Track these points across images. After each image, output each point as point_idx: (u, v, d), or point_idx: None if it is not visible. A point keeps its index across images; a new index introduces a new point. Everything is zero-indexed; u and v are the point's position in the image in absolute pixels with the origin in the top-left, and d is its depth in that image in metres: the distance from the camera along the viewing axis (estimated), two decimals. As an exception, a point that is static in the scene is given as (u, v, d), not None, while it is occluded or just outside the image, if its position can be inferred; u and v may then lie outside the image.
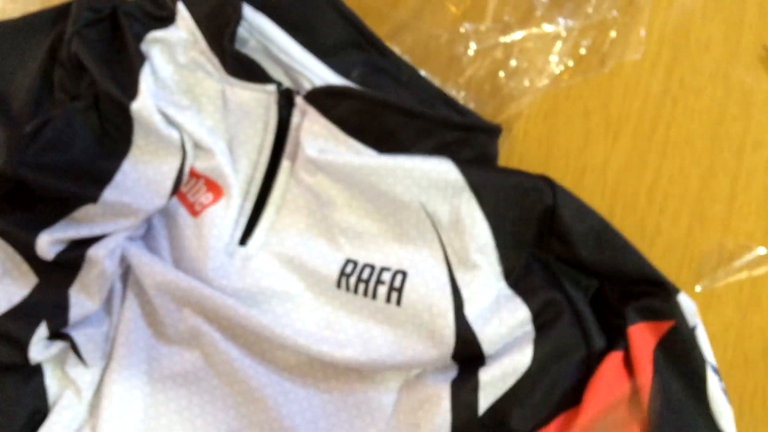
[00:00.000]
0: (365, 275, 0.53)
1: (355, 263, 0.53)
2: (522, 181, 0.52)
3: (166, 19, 0.55)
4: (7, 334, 0.49)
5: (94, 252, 0.51)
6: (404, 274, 0.52)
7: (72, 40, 0.53)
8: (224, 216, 0.53)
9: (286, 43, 0.54)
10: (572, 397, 0.50)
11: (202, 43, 0.54)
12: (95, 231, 0.51)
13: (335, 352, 0.51)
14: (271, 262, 0.53)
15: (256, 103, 0.54)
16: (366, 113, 0.52)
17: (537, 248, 0.52)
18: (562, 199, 0.51)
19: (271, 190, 0.54)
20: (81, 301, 0.51)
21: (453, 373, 0.51)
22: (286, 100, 0.54)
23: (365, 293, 0.53)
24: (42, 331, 0.50)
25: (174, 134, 0.53)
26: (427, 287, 0.52)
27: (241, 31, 0.54)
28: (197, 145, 0.54)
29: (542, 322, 0.51)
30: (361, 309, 0.53)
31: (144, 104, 0.52)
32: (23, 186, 0.50)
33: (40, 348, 0.50)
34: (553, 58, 0.58)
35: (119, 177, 0.52)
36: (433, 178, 0.52)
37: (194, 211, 0.54)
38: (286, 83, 0.55)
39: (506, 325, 0.51)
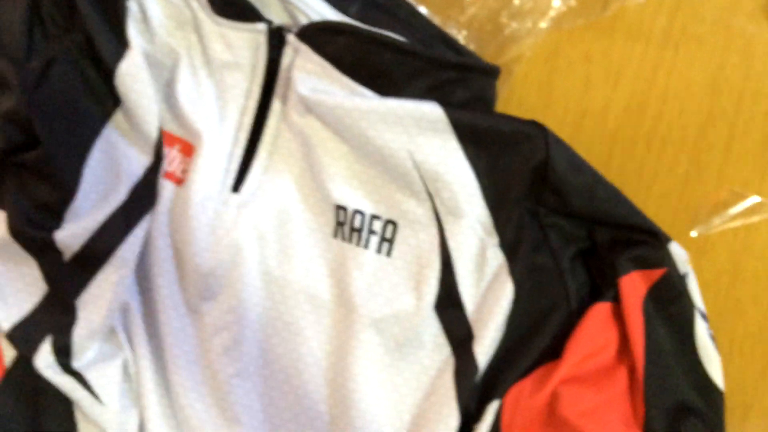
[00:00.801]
0: (357, 223, 0.53)
1: (345, 210, 0.53)
2: (514, 130, 0.51)
3: None
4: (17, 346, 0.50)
5: (123, 251, 0.50)
6: (395, 224, 0.53)
7: None
8: (208, 169, 0.52)
9: None
10: (553, 352, 0.51)
11: None
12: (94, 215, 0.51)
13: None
14: (269, 208, 0.53)
15: (244, 43, 0.53)
16: (361, 50, 0.51)
17: (528, 199, 0.52)
18: (556, 151, 0.51)
19: (262, 135, 0.53)
20: (88, 314, 0.50)
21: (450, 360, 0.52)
22: (276, 40, 0.53)
23: (358, 243, 0.53)
24: (47, 346, 0.50)
25: (153, 109, 0.51)
26: (417, 238, 0.52)
27: None
28: (172, 106, 0.53)
29: (525, 284, 0.52)
30: (353, 258, 0.53)
31: (130, 68, 0.50)
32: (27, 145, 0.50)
33: (49, 364, 0.50)
34: (556, 1, 0.58)
35: (98, 145, 0.52)
36: (423, 126, 0.51)
37: (178, 180, 0.53)
38: (280, 21, 0.54)
39: (486, 280, 0.52)
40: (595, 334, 0.50)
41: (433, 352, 0.52)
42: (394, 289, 0.52)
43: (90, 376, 0.50)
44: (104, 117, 0.52)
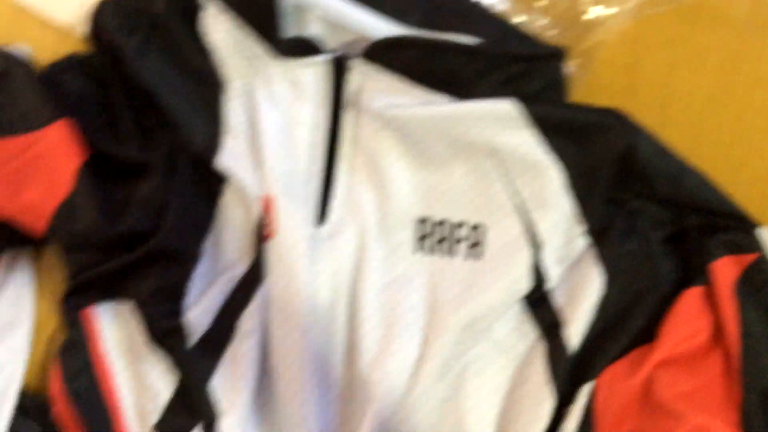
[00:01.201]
0: (442, 234, 0.53)
1: (428, 221, 0.53)
2: (596, 120, 0.51)
3: (191, 11, 0.54)
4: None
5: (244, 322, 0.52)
6: (481, 227, 0.52)
7: (133, 66, 0.53)
8: (291, 213, 0.52)
9: (334, 4, 0.54)
10: (645, 336, 0.51)
11: (240, 32, 0.54)
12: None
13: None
14: (352, 236, 0.53)
15: (310, 78, 0.54)
16: (428, 59, 0.52)
17: (615, 187, 0.52)
18: (639, 138, 0.51)
19: (335, 165, 0.53)
20: (226, 395, 0.51)
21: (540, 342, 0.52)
22: (340, 68, 0.53)
23: (444, 253, 0.53)
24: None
25: (252, 184, 0.52)
26: (505, 238, 0.52)
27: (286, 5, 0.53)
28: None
29: (615, 268, 0.51)
30: (439, 270, 0.53)
31: (230, 157, 0.52)
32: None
33: None
34: (639, -13, 0.58)
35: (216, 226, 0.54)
36: (502, 124, 0.51)
37: (264, 236, 0.53)
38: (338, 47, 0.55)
39: (574, 268, 0.52)
40: (689, 318, 0.49)
41: (522, 341, 0.52)
42: (486, 291, 0.51)
43: None
44: (216, 194, 0.54)
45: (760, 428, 0.47)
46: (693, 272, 0.51)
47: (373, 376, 0.51)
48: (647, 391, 0.48)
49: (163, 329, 0.52)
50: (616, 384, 0.49)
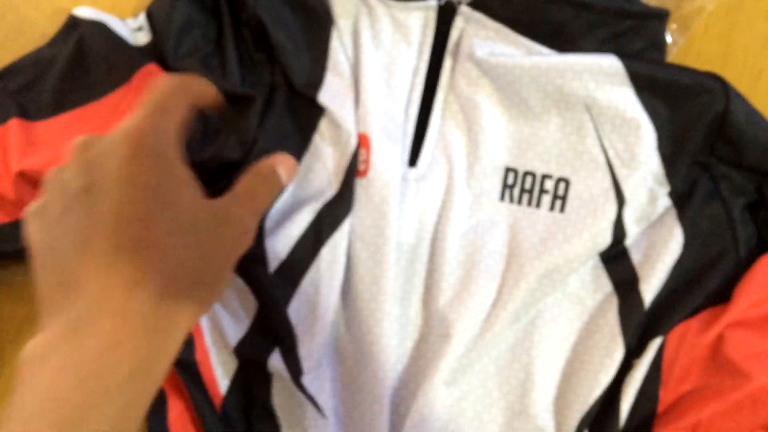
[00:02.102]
0: (528, 185, 0.54)
1: (516, 171, 0.54)
2: (694, 82, 0.52)
3: None
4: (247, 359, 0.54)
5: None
6: (567, 181, 0.54)
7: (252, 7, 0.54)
8: (386, 152, 0.53)
9: None
10: (719, 298, 0.52)
11: None
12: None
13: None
14: (441, 179, 0.54)
15: (415, 21, 0.55)
16: (536, 9, 0.53)
17: (703, 152, 0.53)
18: (735, 104, 0.52)
19: (432, 109, 0.55)
20: (304, 326, 0.53)
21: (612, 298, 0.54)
22: (447, 15, 0.54)
23: (529, 203, 0.54)
24: (276, 358, 0.53)
25: (350, 121, 0.54)
26: (591, 192, 0.54)
27: None
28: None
29: (694, 229, 0.53)
30: (522, 219, 0.54)
31: (330, 94, 0.54)
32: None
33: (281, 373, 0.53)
34: (741, -44, 0.58)
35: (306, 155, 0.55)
36: (601, 80, 0.52)
37: (362, 173, 0.54)
38: None
39: (654, 226, 0.53)
40: (764, 282, 0.51)
41: (595, 295, 0.54)
42: (566, 243, 0.53)
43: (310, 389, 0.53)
44: (311, 128, 0.55)
45: None
46: None
47: (450, 315, 0.53)
48: (716, 350, 0.50)
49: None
50: (686, 340, 0.51)
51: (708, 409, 0.49)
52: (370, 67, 0.54)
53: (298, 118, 0.55)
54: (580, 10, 0.52)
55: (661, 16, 0.54)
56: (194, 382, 0.54)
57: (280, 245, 0.54)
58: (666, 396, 0.52)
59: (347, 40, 0.55)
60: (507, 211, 0.54)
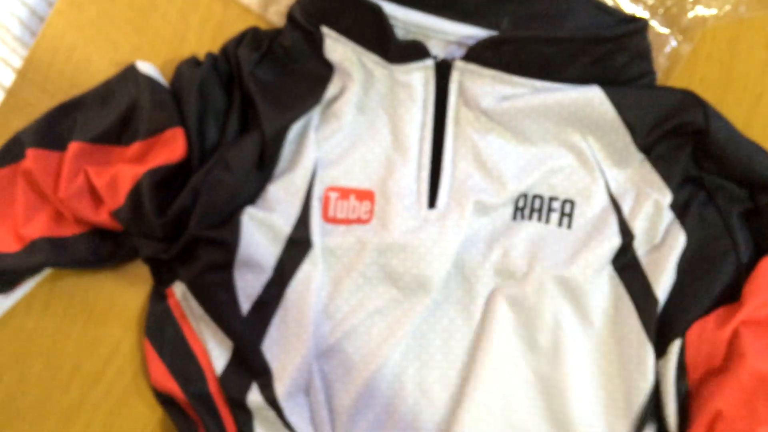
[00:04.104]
0: (537, 205, 0.59)
1: (526, 196, 0.59)
2: (673, 103, 0.57)
3: (317, 42, 0.60)
4: (228, 394, 0.58)
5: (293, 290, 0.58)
6: (572, 203, 0.59)
7: (246, 81, 0.60)
8: (399, 198, 0.59)
9: (433, 21, 0.60)
10: (727, 297, 0.56)
11: (357, 49, 0.60)
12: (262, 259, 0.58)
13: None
14: (461, 214, 0.59)
15: (416, 81, 0.60)
16: (522, 51, 0.58)
17: (693, 166, 0.58)
18: (714, 122, 0.57)
19: (443, 155, 0.60)
20: (279, 360, 0.57)
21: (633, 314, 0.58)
22: (444, 70, 0.60)
23: (539, 219, 0.59)
24: (254, 393, 0.57)
25: (310, 159, 0.59)
26: (593, 211, 0.59)
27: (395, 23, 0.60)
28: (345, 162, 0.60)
29: (695, 234, 0.58)
30: (535, 231, 0.59)
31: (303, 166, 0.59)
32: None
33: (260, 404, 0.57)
34: (738, -10, 0.63)
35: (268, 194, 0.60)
36: (588, 111, 0.58)
37: (364, 221, 0.59)
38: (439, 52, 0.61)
39: (660, 235, 0.58)
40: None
41: (617, 302, 0.58)
42: (578, 253, 0.58)
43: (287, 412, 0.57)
44: (266, 180, 0.60)
45: None
46: (766, 243, 0.57)
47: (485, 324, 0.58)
48: (733, 342, 0.54)
49: (215, 300, 0.58)
50: (705, 335, 0.55)
51: (727, 399, 0.53)
52: (379, 127, 0.60)
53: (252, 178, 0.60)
54: (560, 44, 0.58)
55: (638, 31, 0.59)
56: (209, 414, 0.58)
57: (249, 287, 0.59)
58: (693, 390, 0.56)
59: (327, 110, 0.61)
60: (521, 226, 0.59)
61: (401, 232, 0.58)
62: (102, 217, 0.60)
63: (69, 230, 0.61)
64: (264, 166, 0.60)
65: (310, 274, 0.58)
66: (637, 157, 0.59)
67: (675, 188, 0.58)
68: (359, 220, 0.59)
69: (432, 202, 0.59)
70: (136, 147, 0.60)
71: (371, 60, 0.60)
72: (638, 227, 0.58)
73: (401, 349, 0.58)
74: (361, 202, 0.60)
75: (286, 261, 0.59)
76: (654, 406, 0.57)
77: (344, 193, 0.60)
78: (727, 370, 0.54)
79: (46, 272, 0.63)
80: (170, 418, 0.60)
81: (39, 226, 0.60)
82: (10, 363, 0.62)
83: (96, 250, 0.61)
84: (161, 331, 0.60)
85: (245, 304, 0.58)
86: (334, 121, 0.60)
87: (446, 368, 0.58)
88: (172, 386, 0.59)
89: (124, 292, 0.63)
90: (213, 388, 0.58)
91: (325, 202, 0.60)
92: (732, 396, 0.53)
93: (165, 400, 0.60)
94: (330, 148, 0.60)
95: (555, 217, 0.59)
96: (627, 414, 0.57)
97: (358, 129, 0.61)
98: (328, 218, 0.59)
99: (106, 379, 0.62)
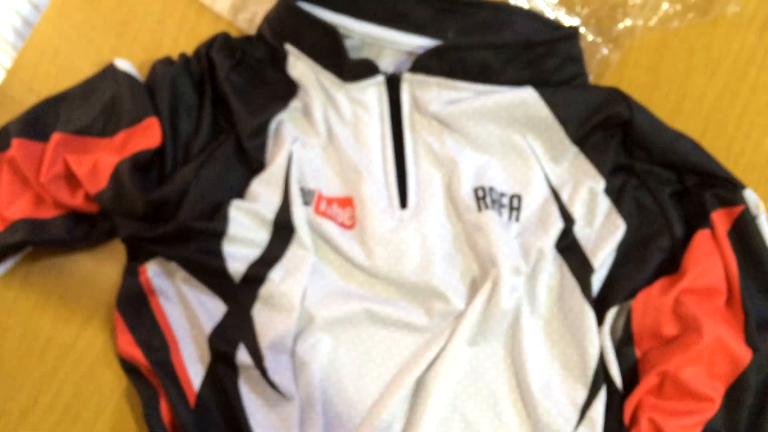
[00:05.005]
0: (495, 196, 0.65)
1: (483, 188, 0.65)
2: (600, 99, 0.64)
3: (281, 58, 0.67)
4: (217, 350, 0.62)
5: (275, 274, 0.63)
6: (519, 197, 0.65)
7: (221, 84, 0.66)
8: (374, 203, 0.64)
9: (387, 33, 0.67)
10: (663, 270, 0.62)
11: (315, 68, 0.66)
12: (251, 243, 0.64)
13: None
14: (430, 210, 0.65)
15: (370, 97, 0.66)
16: (461, 58, 0.64)
17: (622, 154, 0.64)
18: (637, 113, 0.63)
19: (405, 161, 0.66)
20: (265, 324, 0.62)
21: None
22: (394, 82, 0.66)
23: (498, 212, 0.64)
24: (242, 352, 0.61)
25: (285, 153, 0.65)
26: (537, 203, 0.65)
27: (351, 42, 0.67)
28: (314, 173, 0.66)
29: (632, 216, 0.64)
30: (494, 224, 0.64)
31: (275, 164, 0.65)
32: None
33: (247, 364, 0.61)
34: (665, 4, 0.70)
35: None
36: (525, 111, 0.64)
37: (348, 226, 0.65)
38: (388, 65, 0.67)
39: (599, 221, 0.64)
40: (704, 255, 0.60)
41: (560, 279, 0.63)
42: (525, 243, 0.63)
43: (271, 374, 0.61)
44: (250, 175, 0.65)
45: (757, 344, 0.58)
46: (696, 219, 0.62)
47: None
48: (676, 307, 0.59)
49: (210, 271, 0.63)
50: (649, 303, 0.60)
51: (674, 360, 0.58)
52: (342, 142, 0.66)
53: (233, 175, 0.66)
54: (495, 50, 0.64)
55: (568, 37, 0.65)
56: (170, 379, 0.62)
57: (241, 265, 0.63)
58: (641, 354, 0.61)
59: (298, 116, 0.67)
60: (485, 216, 0.64)
61: (381, 233, 0.63)
62: (78, 201, 0.65)
63: (48, 213, 0.66)
64: (246, 161, 0.65)
65: (299, 256, 0.64)
66: (572, 150, 0.65)
67: (607, 175, 0.64)
68: (343, 225, 0.65)
69: (403, 203, 0.65)
70: (120, 136, 0.66)
71: (328, 79, 0.66)
72: (577, 212, 0.64)
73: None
74: (344, 209, 0.65)
75: (275, 242, 0.64)
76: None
77: (328, 202, 0.66)
78: (680, 337, 0.59)
79: (26, 252, 0.67)
80: (133, 385, 0.64)
81: (20, 209, 0.66)
82: (-12, 334, 0.67)
83: (72, 230, 0.66)
84: (131, 304, 0.64)
85: (237, 274, 0.63)
86: (306, 136, 0.66)
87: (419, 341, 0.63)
88: (136, 354, 0.63)
89: (97, 270, 0.68)
90: (174, 358, 0.63)
91: (318, 200, 0.65)
92: (679, 358, 0.58)
93: (129, 368, 0.64)
94: (307, 160, 0.66)
95: (505, 212, 0.65)
96: (582, 379, 0.61)
97: (328, 146, 0.67)
98: (319, 212, 0.65)
99: (77, 350, 0.66)
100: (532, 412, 0.60)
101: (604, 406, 0.60)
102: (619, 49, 0.69)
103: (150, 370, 0.62)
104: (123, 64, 0.68)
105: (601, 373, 0.60)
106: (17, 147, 0.66)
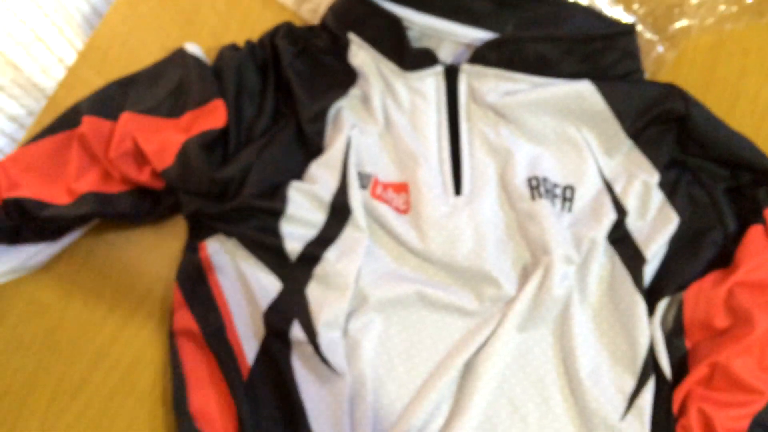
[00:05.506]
0: (548, 186, 0.66)
1: (537, 178, 0.66)
2: (657, 93, 0.65)
3: (343, 47, 0.69)
4: (271, 326, 0.64)
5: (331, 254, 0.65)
6: (572, 188, 0.66)
7: (285, 70, 0.68)
8: (429, 189, 0.66)
9: (447, 26, 0.68)
10: (715, 265, 0.63)
11: (377, 57, 0.68)
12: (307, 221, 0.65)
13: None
14: (488, 195, 0.66)
15: (429, 86, 0.68)
16: (520, 50, 0.66)
17: (678, 149, 0.65)
18: (694, 109, 0.64)
19: (460, 149, 0.67)
20: (319, 300, 0.63)
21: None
22: (453, 73, 0.68)
23: (551, 201, 0.66)
24: (296, 328, 0.63)
25: (344, 138, 0.67)
26: (590, 194, 0.66)
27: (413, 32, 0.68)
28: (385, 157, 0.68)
29: (685, 211, 0.64)
30: (549, 212, 0.65)
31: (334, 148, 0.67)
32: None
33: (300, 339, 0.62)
34: (722, 6, 0.71)
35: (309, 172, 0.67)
36: (580, 103, 0.65)
37: (403, 210, 0.67)
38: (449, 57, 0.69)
39: (652, 213, 0.65)
40: (758, 249, 0.61)
41: (611, 269, 0.64)
42: (577, 233, 0.64)
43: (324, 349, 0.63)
44: (309, 158, 0.68)
45: None
46: (749, 215, 0.63)
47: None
48: (729, 299, 0.60)
49: (267, 249, 0.65)
50: (701, 295, 0.61)
51: (725, 351, 0.58)
52: (400, 130, 0.68)
53: (293, 158, 0.68)
54: (554, 42, 0.66)
55: (627, 32, 0.67)
56: (225, 352, 0.63)
57: (298, 244, 0.65)
58: (691, 345, 0.61)
59: (357, 103, 0.69)
60: (539, 205, 0.65)
61: (435, 218, 0.65)
62: (144, 177, 0.67)
63: (115, 188, 0.68)
64: (306, 145, 0.68)
65: (354, 237, 0.65)
66: (627, 143, 0.66)
67: (662, 169, 0.65)
68: (398, 210, 0.67)
69: (458, 190, 0.66)
70: (187, 117, 0.68)
71: (388, 68, 0.68)
72: (630, 204, 0.65)
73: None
74: (399, 194, 0.67)
75: (332, 223, 0.66)
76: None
77: (384, 187, 0.67)
78: (731, 329, 0.60)
79: (92, 224, 0.70)
80: (170, 352, 0.66)
81: (88, 183, 0.68)
82: (52, 302, 0.69)
83: (137, 206, 0.68)
84: (190, 279, 0.67)
85: (293, 253, 0.65)
86: (364, 123, 0.68)
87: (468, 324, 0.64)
88: (193, 327, 0.65)
89: (159, 245, 0.70)
90: (230, 332, 0.64)
91: (374, 184, 0.67)
92: (730, 350, 0.58)
93: (173, 341, 0.66)
94: (365, 146, 0.68)
95: (558, 202, 0.66)
96: (631, 368, 0.61)
97: (385, 133, 0.68)
98: (375, 195, 0.67)
99: (135, 322, 0.68)
100: (580, 398, 0.61)
101: (653, 395, 0.60)
102: (675, 47, 0.70)
103: (204, 341, 0.64)
104: (192, 48, 0.71)
105: (651, 363, 0.61)
106: (88, 124, 0.69)
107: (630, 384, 0.61)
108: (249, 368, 0.64)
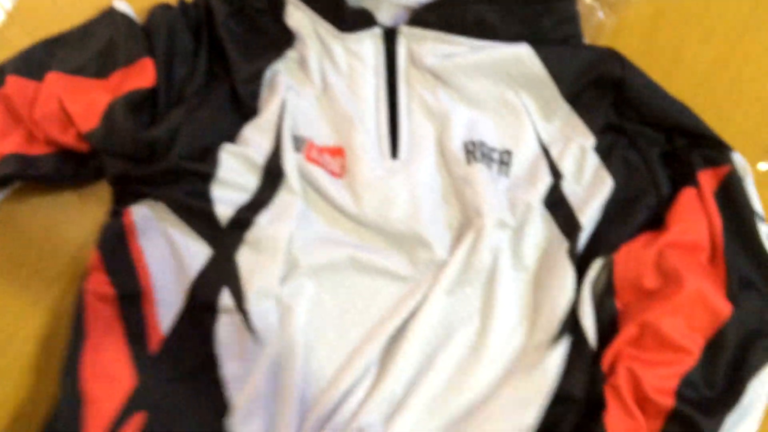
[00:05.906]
0: (485, 150, 0.65)
1: (473, 143, 0.65)
2: (594, 57, 0.64)
3: (279, 7, 0.68)
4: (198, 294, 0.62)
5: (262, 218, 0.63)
6: (509, 153, 0.65)
7: (218, 29, 0.67)
8: (365, 152, 0.65)
9: None
10: (648, 227, 0.62)
11: (314, 17, 0.67)
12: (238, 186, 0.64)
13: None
14: (421, 162, 0.65)
15: (367, 48, 0.67)
16: (458, 12, 0.66)
17: (614, 113, 0.65)
18: (630, 72, 0.64)
19: (398, 112, 0.66)
20: (251, 269, 0.61)
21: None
22: (391, 35, 0.67)
23: (487, 165, 0.65)
24: (225, 296, 0.61)
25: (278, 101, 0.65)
26: (527, 158, 0.65)
27: None
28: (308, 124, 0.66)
29: (619, 175, 0.64)
30: (484, 177, 0.64)
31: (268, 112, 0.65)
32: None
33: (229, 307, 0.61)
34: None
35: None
36: (520, 67, 0.64)
37: (338, 174, 0.66)
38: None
39: (587, 178, 0.64)
40: (689, 211, 0.61)
41: (547, 234, 0.63)
42: (513, 197, 0.63)
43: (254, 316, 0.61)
44: (242, 121, 0.66)
45: (738, 300, 0.58)
46: (683, 178, 0.63)
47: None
48: (659, 260, 0.60)
49: (197, 214, 0.63)
50: (631, 255, 0.60)
51: (654, 311, 0.58)
52: (337, 92, 0.67)
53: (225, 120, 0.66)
54: (493, 4, 0.65)
55: None
56: (134, 320, 0.61)
57: (228, 208, 0.63)
58: (622, 305, 0.61)
59: (294, 65, 0.68)
60: (474, 169, 0.64)
61: (370, 181, 0.64)
62: (69, 139, 0.65)
63: (38, 150, 0.66)
64: (240, 107, 0.66)
65: (287, 201, 0.64)
66: (564, 107, 0.65)
67: (598, 133, 0.64)
68: (333, 173, 0.65)
69: (394, 153, 0.65)
70: (115, 77, 0.66)
71: (325, 29, 0.67)
72: (566, 168, 0.64)
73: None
74: (334, 158, 0.65)
75: (265, 187, 0.64)
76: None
77: (320, 150, 0.66)
78: (661, 289, 0.59)
79: (13, 188, 0.68)
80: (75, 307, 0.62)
81: (12, 144, 0.66)
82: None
83: (61, 168, 0.66)
84: (111, 244, 0.64)
85: (224, 218, 0.63)
86: (301, 85, 0.67)
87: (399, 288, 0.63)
88: (107, 292, 0.62)
89: (83, 210, 0.68)
90: (145, 300, 0.62)
91: (309, 147, 0.65)
92: (659, 309, 0.58)
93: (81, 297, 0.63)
94: (301, 109, 0.66)
95: (495, 166, 0.65)
96: (549, 329, 0.60)
97: (322, 96, 0.67)
98: (310, 158, 0.65)
99: (59, 286, 0.66)
100: None
101: (564, 356, 0.59)
102: (615, 14, 0.70)
103: (115, 308, 0.62)
104: (122, 6, 0.69)
105: (568, 325, 0.60)
106: (12, 84, 0.66)
107: (543, 345, 0.60)
108: (162, 338, 0.61)
